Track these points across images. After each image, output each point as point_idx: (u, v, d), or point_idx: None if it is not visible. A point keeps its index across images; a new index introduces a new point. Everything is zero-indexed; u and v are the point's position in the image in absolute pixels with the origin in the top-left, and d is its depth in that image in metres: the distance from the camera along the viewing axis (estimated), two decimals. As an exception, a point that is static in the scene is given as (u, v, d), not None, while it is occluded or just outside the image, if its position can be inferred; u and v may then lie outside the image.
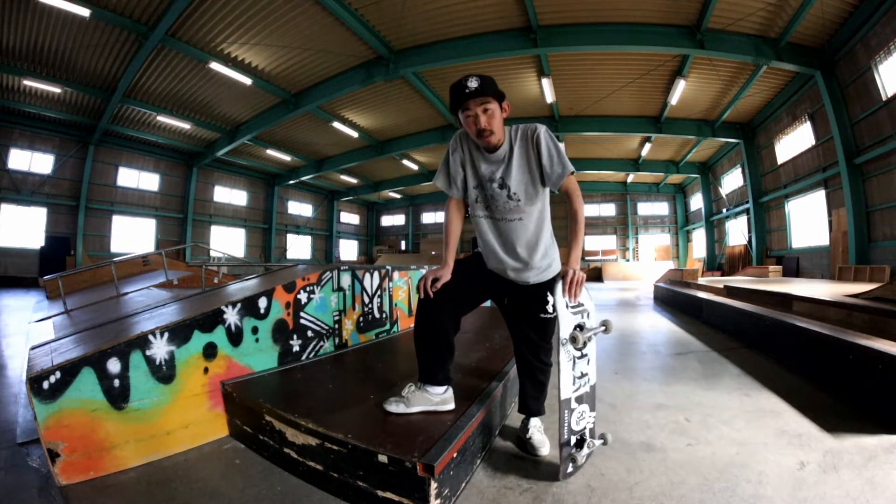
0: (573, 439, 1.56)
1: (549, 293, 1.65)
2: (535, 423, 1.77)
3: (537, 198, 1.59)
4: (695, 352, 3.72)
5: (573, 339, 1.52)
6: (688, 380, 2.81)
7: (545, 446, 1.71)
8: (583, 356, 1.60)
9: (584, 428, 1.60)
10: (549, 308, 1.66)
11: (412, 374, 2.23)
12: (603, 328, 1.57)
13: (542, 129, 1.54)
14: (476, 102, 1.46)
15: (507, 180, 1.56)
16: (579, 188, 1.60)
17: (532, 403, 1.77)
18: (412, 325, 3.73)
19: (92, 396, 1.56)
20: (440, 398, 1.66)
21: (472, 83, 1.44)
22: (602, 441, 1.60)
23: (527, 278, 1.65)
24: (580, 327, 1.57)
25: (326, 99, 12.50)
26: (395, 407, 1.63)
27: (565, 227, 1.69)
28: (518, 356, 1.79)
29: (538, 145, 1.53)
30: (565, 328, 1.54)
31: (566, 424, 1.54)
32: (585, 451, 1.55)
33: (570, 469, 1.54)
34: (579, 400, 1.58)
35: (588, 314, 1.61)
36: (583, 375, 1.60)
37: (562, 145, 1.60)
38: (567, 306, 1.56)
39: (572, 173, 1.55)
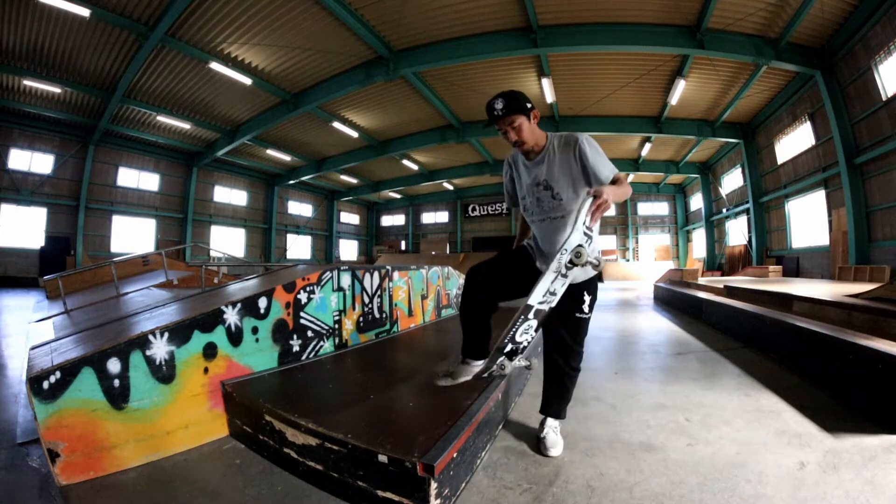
0: (509, 346, 1.61)
1: (585, 293, 1.74)
2: (552, 424, 1.82)
3: (578, 199, 1.69)
4: (695, 352, 3.72)
5: (577, 255, 1.44)
6: (688, 380, 2.81)
7: (557, 447, 1.74)
8: (564, 276, 1.51)
9: (523, 343, 1.65)
10: (585, 308, 1.75)
11: (413, 373, 2.25)
12: (598, 264, 1.48)
13: (583, 137, 1.66)
14: (504, 122, 1.63)
15: (551, 182, 1.70)
16: (626, 178, 1.70)
17: (554, 405, 1.84)
18: (412, 324, 3.77)
19: (92, 396, 1.57)
20: (480, 369, 1.77)
21: (498, 105, 1.61)
22: (527, 364, 1.70)
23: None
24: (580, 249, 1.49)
25: (326, 99, 12.49)
26: (444, 381, 1.82)
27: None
28: (547, 359, 1.85)
29: (582, 153, 1.62)
30: (575, 239, 1.46)
31: (512, 331, 1.58)
32: (512, 364, 1.65)
33: (493, 371, 1.67)
34: (536, 314, 1.56)
35: (590, 242, 1.53)
36: (552, 294, 1.54)
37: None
38: (585, 224, 1.47)
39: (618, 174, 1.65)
